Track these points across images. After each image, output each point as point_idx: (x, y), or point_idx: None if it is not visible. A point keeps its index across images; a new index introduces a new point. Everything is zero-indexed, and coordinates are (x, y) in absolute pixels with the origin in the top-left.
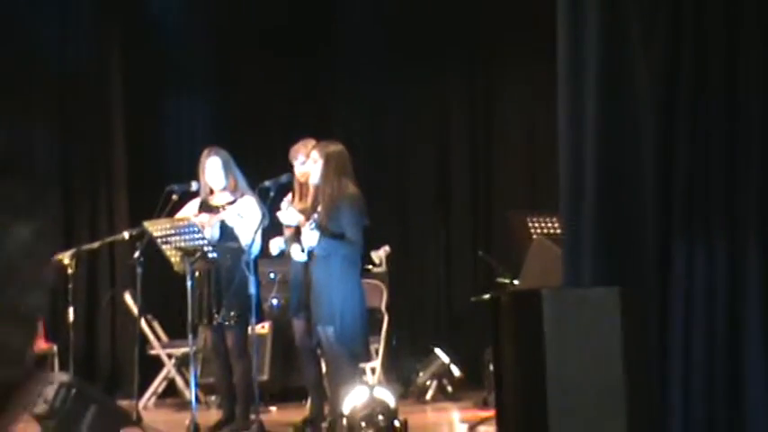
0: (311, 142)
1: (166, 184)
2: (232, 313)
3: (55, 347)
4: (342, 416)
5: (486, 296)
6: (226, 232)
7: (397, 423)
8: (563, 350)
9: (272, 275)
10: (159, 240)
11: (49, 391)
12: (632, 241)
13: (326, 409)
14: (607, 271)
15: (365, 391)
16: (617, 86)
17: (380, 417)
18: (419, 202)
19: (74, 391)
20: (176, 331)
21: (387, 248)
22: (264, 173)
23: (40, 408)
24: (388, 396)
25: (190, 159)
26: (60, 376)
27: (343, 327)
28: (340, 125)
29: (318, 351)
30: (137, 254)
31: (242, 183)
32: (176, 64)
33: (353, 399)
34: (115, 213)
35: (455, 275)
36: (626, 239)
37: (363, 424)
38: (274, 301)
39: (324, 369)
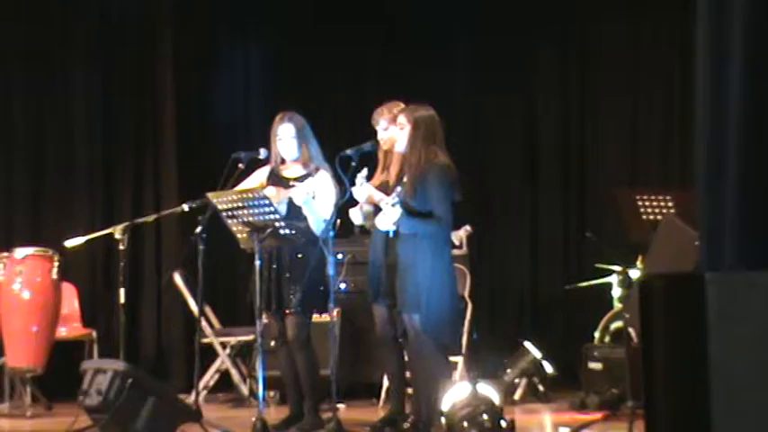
0: (398, 105)
1: (219, 152)
2: (304, 298)
3: (94, 333)
4: (439, 414)
5: (585, 283)
6: (293, 209)
7: (503, 423)
8: (731, 343)
9: (339, 256)
10: (225, 214)
11: (102, 381)
12: None
13: (408, 408)
14: (754, 254)
15: (466, 386)
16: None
17: (484, 416)
18: (503, 177)
19: (130, 381)
20: (230, 318)
21: (468, 228)
22: (344, 139)
23: (93, 399)
24: (492, 392)
25: (246, 125)
26: (115, 364)
27: (431, 314)
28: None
29: (402, 341)
30: (198, 229)
31: (317, 155)
32: (235, 13)
33: (453, 395)
34: (162, 183)
35: (543, 259)
36: None
37: (465, 424)
38: (342, 286)
39: (407, 362)
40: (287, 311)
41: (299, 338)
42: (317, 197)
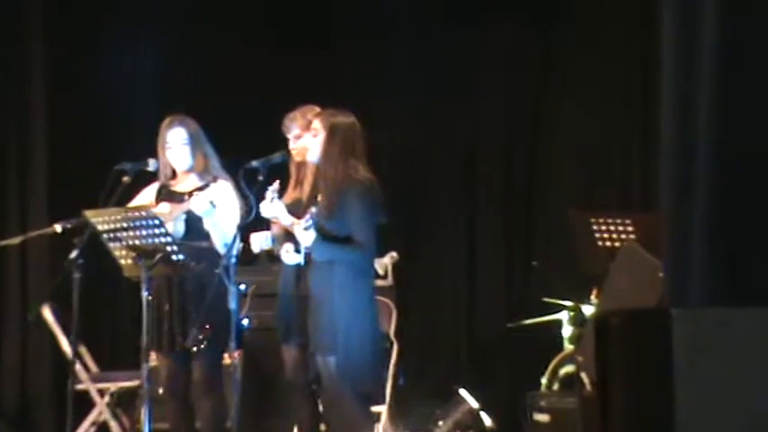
0: (313, 109)
1: (100, 162)
2: (202, 336)
3: None
4: None
5: (530, 321)
6: (193, 228)
7: None
8: (700, 390)
9: (242, 287)
10: (106, 236)
11: None
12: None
13: None
14: (728, 286)
15: None
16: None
17: None
18: (435, 195)
19: None
20: (110, 360)
21: (393, 254)
22: (248, 150)
23: None
24: None
25: (134, 132)
26: None
27: (350, 356)
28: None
29: (315, 388)
30: (74, 253)
31: (214, 162)
32: None
33: None
34: (29, 198)
35: (482, 292)
36: (755, 244)
37: None
38: (245, 322)
39: (322, 411)
40: (194, 351)
41: (208, 382)
42: (218, 207)
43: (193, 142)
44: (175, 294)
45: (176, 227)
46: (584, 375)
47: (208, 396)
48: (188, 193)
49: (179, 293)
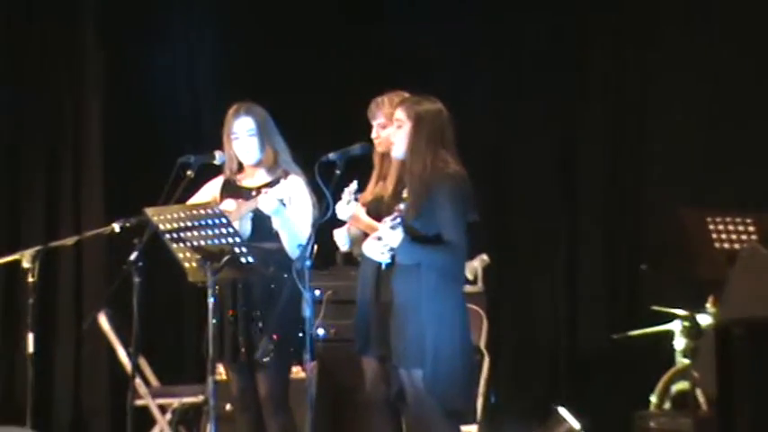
0: (401, 95)
1: (160, 156)
2: (272, 347)
3: None
4: None
5: (638, 332)
6: (261, 228)
7: None
8: None
9: (317, 293)
10: (169, 236)
11: None
12: None
13: None
14: None
15: None
16: None
17: None
18: (532, 191)
19: None
20: (173, 373)
21: (485, 257)
22: (321, 142)
23: None
24: None
25: (195, 122)
26: None
27: (438, 370)
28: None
29: (398, 405)
30: (134, 255)
31: (285, 156)
32: None
33: None
34: (84, 195)
35: (584, 299)
36: None
37: None
38: (320, 331)
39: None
40: (259, 363)
41: (276, 398)
42: (289, 206)
43: (262, 133)
44: (242, 301)
45: (243, 226)
46: (699, 393)
47: (276, 414)
48: (256, 189)
49: (245, 300)
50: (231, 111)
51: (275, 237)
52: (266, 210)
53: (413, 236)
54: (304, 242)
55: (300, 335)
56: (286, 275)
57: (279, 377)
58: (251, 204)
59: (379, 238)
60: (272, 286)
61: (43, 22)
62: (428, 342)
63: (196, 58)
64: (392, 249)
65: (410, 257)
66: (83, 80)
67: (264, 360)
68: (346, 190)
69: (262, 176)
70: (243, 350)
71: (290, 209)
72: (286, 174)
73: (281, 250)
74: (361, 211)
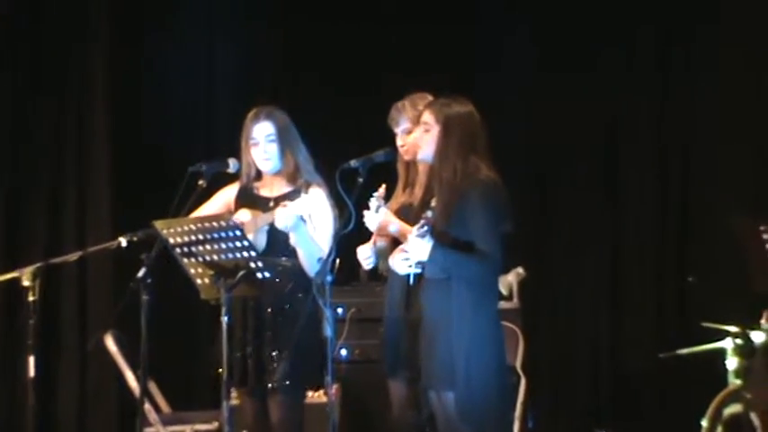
0: (425, 98)
1: (170, 164)
2: (290, 370)
3: None
4: None
5: (686, 350)
6: (277, 243)
7: None
8: None
9: (339, 310)
10: (179, 250)
11: None
12: None
13: None
14: None
15: None
16: None
17: None
18: (572, 199)
19: None
20: (184, 398)
21: (520, 271)
22: (344, 149)
23: None
24: None
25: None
26: None
27: (471, 393)
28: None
29: (428, 430)
30: (142, 271)
31: (306, 165)
32: None
33: None
34: (89, 207)
35: (628, 315)
36: None
37: None
38: (343, 352)
39: None
40: (270, 387)
41: (289, 424)
42: (310, 221)
43: (282, 139)
44: (254, 320)
45: (257, 239)
46: (754, 416)
47: None
48: (274, 200)
49: (258, 319)
50: (250, 115)
51: (292, 252)
52: (282, 226)
53: (443, 246)
54: (324, 256)
55: (319, 356)
56: (301, 294)
57: (293, 402)
58: (268, 217)
59: (406, 251)
60: (287, 306)
61: (49, 30)
62: (460, 361)
63: (212, 62)
64: (419, 263)
65: (438, 270)
66: (89, 84)
67: (282, 383)
68: (374, 196)
69: (281, 186)
70: (253, 374)
71: (310, 225)
72: (307, 185)
73: (298, 267)
74: (391, 216)
